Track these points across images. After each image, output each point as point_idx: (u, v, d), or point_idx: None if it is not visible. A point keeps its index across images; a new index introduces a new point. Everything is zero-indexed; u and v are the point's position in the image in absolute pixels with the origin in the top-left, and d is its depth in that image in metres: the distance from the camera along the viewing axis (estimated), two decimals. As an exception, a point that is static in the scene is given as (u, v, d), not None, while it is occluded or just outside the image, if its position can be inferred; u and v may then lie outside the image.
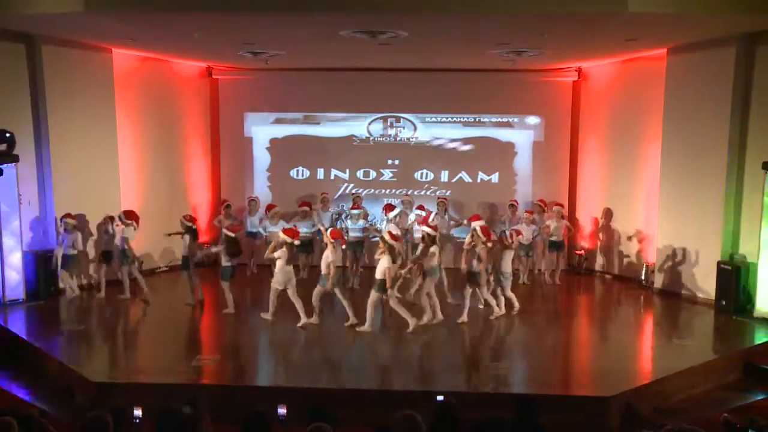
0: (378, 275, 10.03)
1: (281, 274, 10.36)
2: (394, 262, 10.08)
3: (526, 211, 13.52)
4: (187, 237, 11.51)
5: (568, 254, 14.45)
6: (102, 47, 12.52)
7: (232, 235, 11.19)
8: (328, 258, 10.24)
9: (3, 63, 11.51)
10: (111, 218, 11.90)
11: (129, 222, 11.71)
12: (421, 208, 12.70)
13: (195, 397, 5.50)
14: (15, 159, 11.24)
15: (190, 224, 11.66)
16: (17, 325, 10.61)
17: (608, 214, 14.25)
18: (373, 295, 10.13)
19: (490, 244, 10.64)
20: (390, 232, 10.44)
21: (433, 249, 10.50)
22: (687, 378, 8.78)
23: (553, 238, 13.38)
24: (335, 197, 14.98)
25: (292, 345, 10.01)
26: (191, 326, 11.12)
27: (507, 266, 11.00)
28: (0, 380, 9.13)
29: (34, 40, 11.70)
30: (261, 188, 15.29)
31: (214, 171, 15.58)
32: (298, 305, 10.38)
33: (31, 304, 11.44)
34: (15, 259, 11.45)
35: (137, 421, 5.53)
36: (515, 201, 14.08)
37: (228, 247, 11.01)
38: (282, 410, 5.80)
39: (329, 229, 10.79)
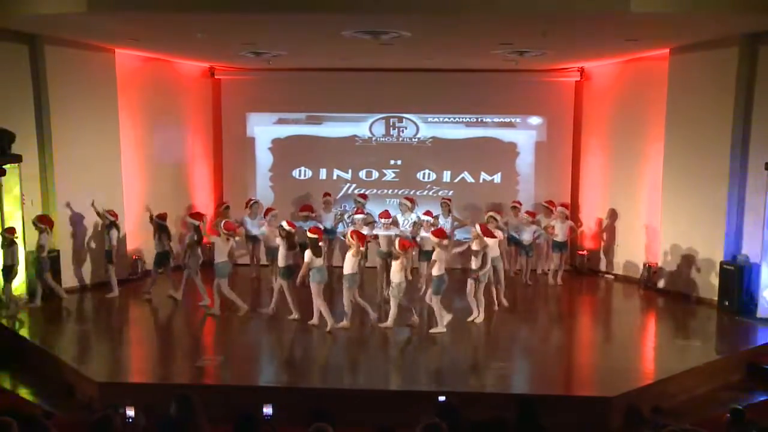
0: (280, 263, 10.63)
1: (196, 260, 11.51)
2: (291, 249, 10.69)
3: (526, 212, 13.47)
4: (114, 232, 11.70)
5: (570, 254, 14.43)
6: (105, 47, 12.54)
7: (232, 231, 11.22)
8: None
9: (6, 63, 11.51)
10: (11, 230, 10.95)
11: (42, 227, 11.13)
12: (428, 213, 12.23)
13: (187, 397, 5.49)
14: (18, 159, 11.26)
15: (112, 219, 11.68)
16: (21, 324, 10.65)
17: (611, 214, 14.23)
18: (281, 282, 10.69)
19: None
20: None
21: (436, 256, 10.27)
22: (690, 378, 8.78)
23: (557, 239, 13.29)
24: (337, 197, 14.99)
25: (296, 345, 10.04)
26: (194, 327, 11.12)
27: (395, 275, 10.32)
28: (3, 380, 9.17)
29: (37, 40, 11.71)
30: (263, 188, 15.31)
31: (216, 171, 15.59)
32: (201, 287, 11.52)
33: (33, 304, 11.42)
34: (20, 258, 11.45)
35: (130, 420, 5.53)
36: (518, 202, 14.03)
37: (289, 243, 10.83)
38: (267, 410, 5.79)
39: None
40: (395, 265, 10.27)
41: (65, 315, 11.32)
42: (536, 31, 9.98)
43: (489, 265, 10.72)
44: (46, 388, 8.81)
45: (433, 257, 10.30)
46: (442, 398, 6.33)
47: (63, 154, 12.14)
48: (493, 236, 10.91)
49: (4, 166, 10.90)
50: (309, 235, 10.33)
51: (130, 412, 5.45)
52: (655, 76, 12.71)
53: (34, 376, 9.23)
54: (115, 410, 5.27)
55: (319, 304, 10.25)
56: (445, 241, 10.42)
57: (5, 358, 9.71)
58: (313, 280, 10.20)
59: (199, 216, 11.85)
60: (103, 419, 5.05)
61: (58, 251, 11.99)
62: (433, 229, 11.14)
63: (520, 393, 7.93)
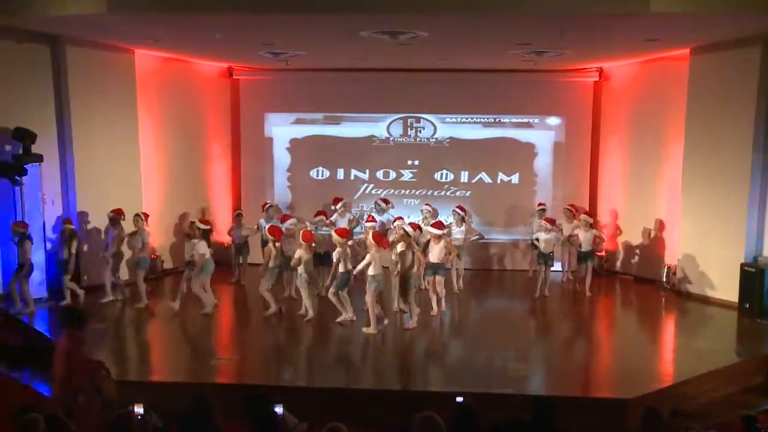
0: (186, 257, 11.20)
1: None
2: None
3: (545, 219, 12.62)
4: (26, 243, 10.90)
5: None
6: (124, 48, 12.65)
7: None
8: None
9: (28, 64, 11.64)
10: (21, 224, 10.87)
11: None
12: (437, 225, 11.35)
13: (204, 397, 5.55)
14: (39, 158, 11.38)
15: (23, 231, 10.88)
16: (41, 324, 10.75)
17: (630, 215, 14.15)
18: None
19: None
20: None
21: (339, 255, 10.42)
22: (709, 381, 8.69)
23: (582, 249, 12.48)
24: (355, 197, 15.02)
25: (310, 345, 10.05)
26: (207, 326, 11.18)
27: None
28: (25, 378, 9.26)
29: (58, 41, 11.84)
30: (281, 188, 15.37)
31: (234, 171, 15.68)
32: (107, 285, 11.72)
33: (54, 303, 11.52)
34: (38, 258, 11.56)
35: (139, 417, 5.57)
36: (544, 204, 13.60)
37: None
38: (279, 409, 5.82)
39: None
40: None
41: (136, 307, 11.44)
42: (555, 31, 9.94)
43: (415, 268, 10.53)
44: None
45: (336, 255, 10.38)
46: (459, 399, 6.31)
47: (83, 154, 12.26)
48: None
49: (25, 166, 11.02)
50: (202, 226, 11.07)
51: (139, 410, 5.48)
52: (675, 76, 12.61)
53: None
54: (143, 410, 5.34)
55: (197, 292, 11.01)
56: (351, 241, 10.76)
57: (26, 355, 9.81)
58: (205, 272, 10.91)
59: (120, 212, 11.62)
60: (122, 417, 5.10)
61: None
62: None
63: (538, 394, 7.88)
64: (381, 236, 10.66)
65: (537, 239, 12.43)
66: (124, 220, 11.67)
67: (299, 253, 10.58)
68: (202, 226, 11.20)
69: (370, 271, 10.19)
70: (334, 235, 10.48)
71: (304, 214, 14.11)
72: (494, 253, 15.11)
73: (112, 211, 11.66)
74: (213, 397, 5.57)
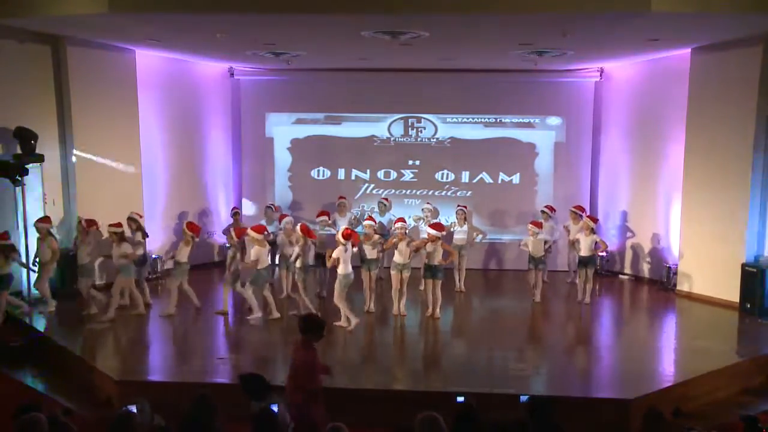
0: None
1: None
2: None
3: (532, 222, 12.24)
4: None
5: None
6: (126, 48, 12.65)
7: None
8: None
9: (29, 64, 11.68)
10: None
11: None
12: (435, 227, 11.05)
13: (205, 396, 5.55)
14: (40, 159, 11.38)
15: None
16: (41, 323, 10.75)
17: (631, 215, 14.14)
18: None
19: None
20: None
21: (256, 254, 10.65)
22: (710, 381, 8.68)
23: (581, 253, 11.91)
24: (356, 197, 15.03)
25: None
26: (209, 327, 11.18)
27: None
28: (23, 377, 9.27)
29: (60, 41, 11.86)
30: (282, 188, 15.37)
31: (235, 171, 15.69)
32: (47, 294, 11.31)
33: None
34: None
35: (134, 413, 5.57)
36: (550, 207, 13.32)
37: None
38: (275, 407, 5.82)
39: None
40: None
41: (83, 314, 11.36)
42: (557, 32, 9.94)
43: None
44: (66, 386, 8.91)
45: (254, 254, 10.62)
46: (460, 399, 6.30)
47: (84, 154, 12.26)
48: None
49: (26, 166, 11.02)
50: (116, 230, 10.84)
51: (133, 409, 5.48)
52: (676, 76, 12.60)
53: (54, 373, 9.33)
54: (139, 407, 5.33)
55: (115, 293, 10.97)
56: (263, 237, 10.86)
57: (26, 355, 9.82)
58: (126, 275, 10.86)
59: (47, 220, 11.18)
60: (122, 416, 5.10)
61: (75, 252, 12.06)
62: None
63: (536, 394, 7.86)
64: (308, 228, 10.89)
65: (524, 243, 12.28)
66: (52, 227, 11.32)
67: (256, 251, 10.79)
68: (116, 230, 10.86)
69: (298, 264, 10.65)
70: (250, 232, 10.78)
71: (305, 214, 14.18)
72: (495, 253, 15.11)
73: (40, 220, 11.13)
74: (213, 396, 5.56)
